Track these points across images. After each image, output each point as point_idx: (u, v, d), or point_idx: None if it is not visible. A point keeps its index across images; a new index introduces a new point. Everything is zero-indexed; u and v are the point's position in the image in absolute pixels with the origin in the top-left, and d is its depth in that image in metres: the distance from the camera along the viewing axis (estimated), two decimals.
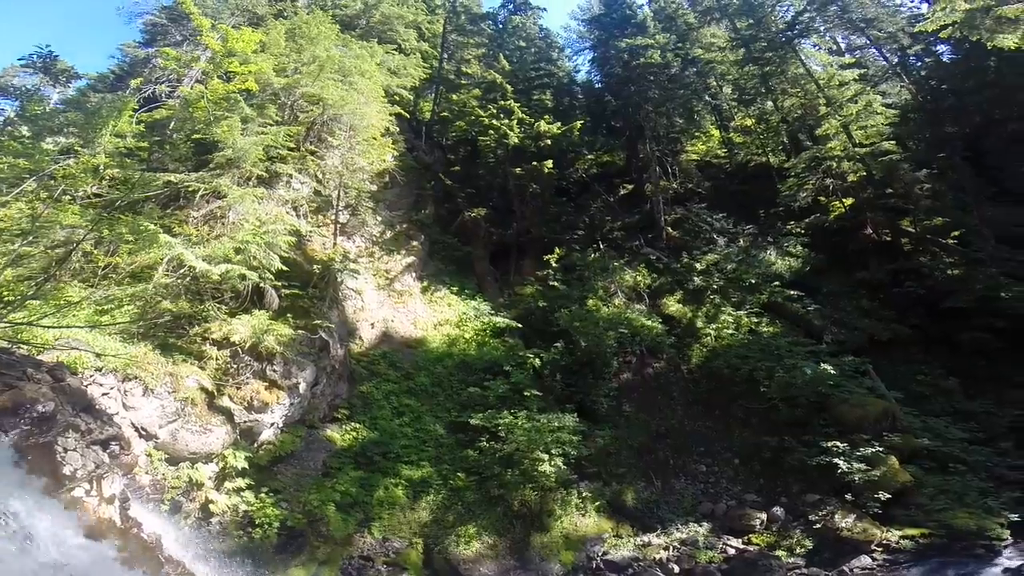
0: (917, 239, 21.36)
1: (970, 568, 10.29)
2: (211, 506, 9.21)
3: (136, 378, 9.17)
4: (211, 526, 9.07)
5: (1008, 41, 11.31)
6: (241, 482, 9.86)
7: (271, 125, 12.11)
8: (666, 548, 11.96)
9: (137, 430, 8.86)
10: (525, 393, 15.06)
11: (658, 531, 12.54)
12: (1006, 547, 10.81)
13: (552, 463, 12.40)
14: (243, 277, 10.80)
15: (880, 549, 11.17)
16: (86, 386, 8.27)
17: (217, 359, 10.85)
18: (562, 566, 11.26)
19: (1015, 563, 10.12)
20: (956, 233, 20.83)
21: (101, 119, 9.39)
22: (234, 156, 10.76)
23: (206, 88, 11.20)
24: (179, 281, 9.79)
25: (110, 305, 9.44)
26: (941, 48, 24.13)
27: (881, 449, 13.18)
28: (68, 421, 7.37)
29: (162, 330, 10.22)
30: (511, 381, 15.62)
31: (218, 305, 11.02)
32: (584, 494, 12.97)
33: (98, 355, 8.74)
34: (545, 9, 33.45)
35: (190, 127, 11.22)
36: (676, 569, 11.47)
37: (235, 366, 11.04)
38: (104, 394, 8.61)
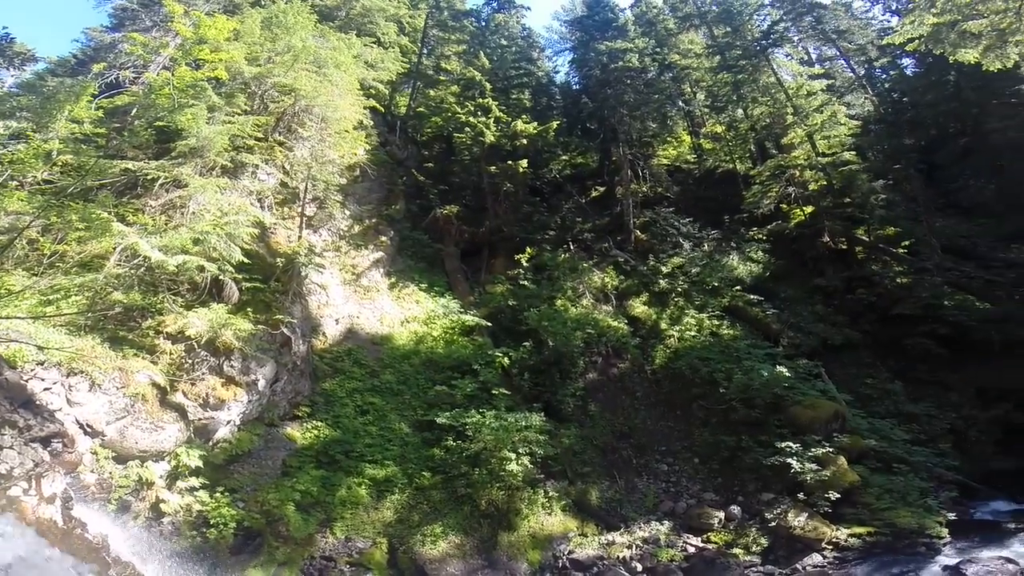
0: (870, 248, 22.42)
1: (912, 565, 10.83)
2: (162, 506, 8.79)
3: (82, 372, 8.66)
4: (162, 526, 8.65)
5: (969, 56, 11.91)
6: (195, 481, 9.44)
7: (239, 114, 11.64)
8: (629, 547, 12.11)
9: (82, 427, 8.38)
10: (493, 392, 15.00)
11: (621, 529, 12.70)
12: (945, 545, 11.46)
13: (519, 462, 12.39)
14: (201, 269, 10.34)
15: (830, 547, 11.61)
16: (26, 380, 7.78)
17: (171, 354, 10.35)
18: (529, 565, 11.24)
19: (953, 561, 10.70)
20: (907, 243, 21.99)
21: (57, 103, 8.84)
22: (198, 145, 10.27)
23: (173, 75, 10.66)
24: (132, 272, 9.28)
25: (56, 295, 8.87)
26: (906, 61, 25.39)
27: (831, 449, 13.71)
28: (4, 417, 6.97)
29: (112, 322, 9.68)
30: (479, 380, 15.53)
31: (174, 297, 10.51)
32: (550, 493, 13.00)
33: (40, 348, 8.21)
34: (529, 8, 33.29)
35: (153, 114, 10.64)
36: (639, 567, 11.64)
37: (190, 361, 10.57)
38: (46, 389, 8.11)
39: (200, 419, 10.25)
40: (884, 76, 27.80)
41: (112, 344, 9.50)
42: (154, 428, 9.28)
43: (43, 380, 8.11)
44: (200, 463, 9.57)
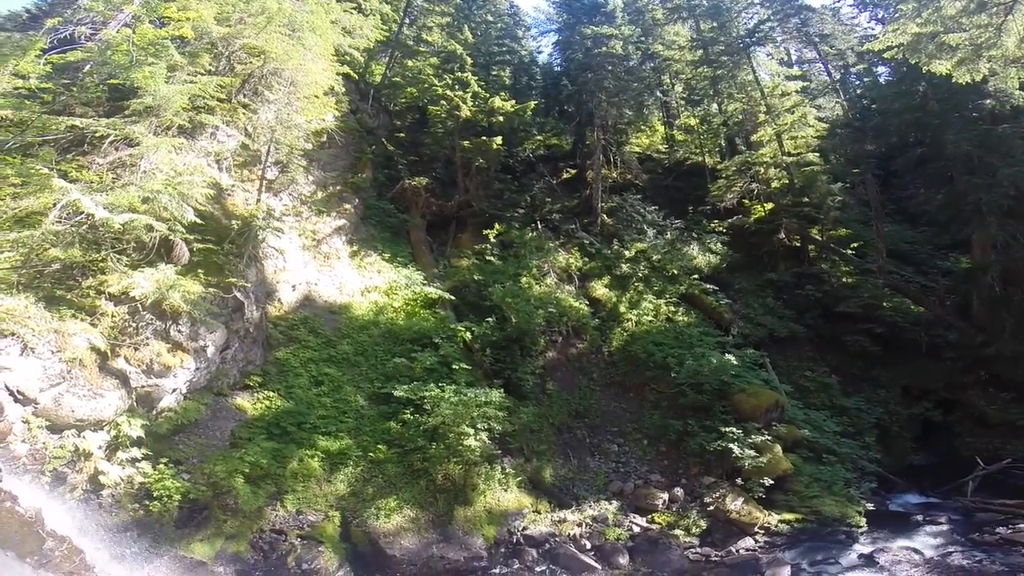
0: (822, 247, 23.44)
1: (833, 552, 11.69)
2: (101, 478, 8.36)
3: (13, 334, 7.99)
4: (101, 499, 8.25)
5: (942, 67, 12.32)
6: (136, 452, 9.01)
7: (202, 74, 10.80)
8: (579, 524, 12.52)
9: (12, 394, 7.77)
10: (454, 366, 14.92)
11: (573, 508, 13.09)
12: (862, 533, 12.38)
13: (478, 438, 12.42)
14: (150, 228, 9.62)
15: (762, 532, 12.37)
16: None
17: (113, 316, 9.68)
18: (484, 540, 11.42)
19: (868, 549, 11.62)
20: (856, 244, 23.12)
21: (2, 57, 7.92)
22: (154, 104, 9.45)
23: (134, 32, 9.73)
24: (74, 229, 8.57)
25: None
26: (881, 69, 26.21)
27: (769, 438, 14.47)
28: None
29: (49, 280, 8.95)
30: (440, 353, 15.42)
31: (118, 256, 9.79)
32: (507, 469, 13.18)
33: None
34: None
35: (107, 71, 9.72)
36: (588, 545, 12.09)
37: (134, 325, 9.93)
38: None
39: (143, 387, 9.73)
40: (858, 82, 28.73)
41: (48, 304, 8.78)
42: (93, 396, 8.74)
43: None
44: (142, 433, 9.13)
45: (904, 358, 19.35)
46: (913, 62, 12.73)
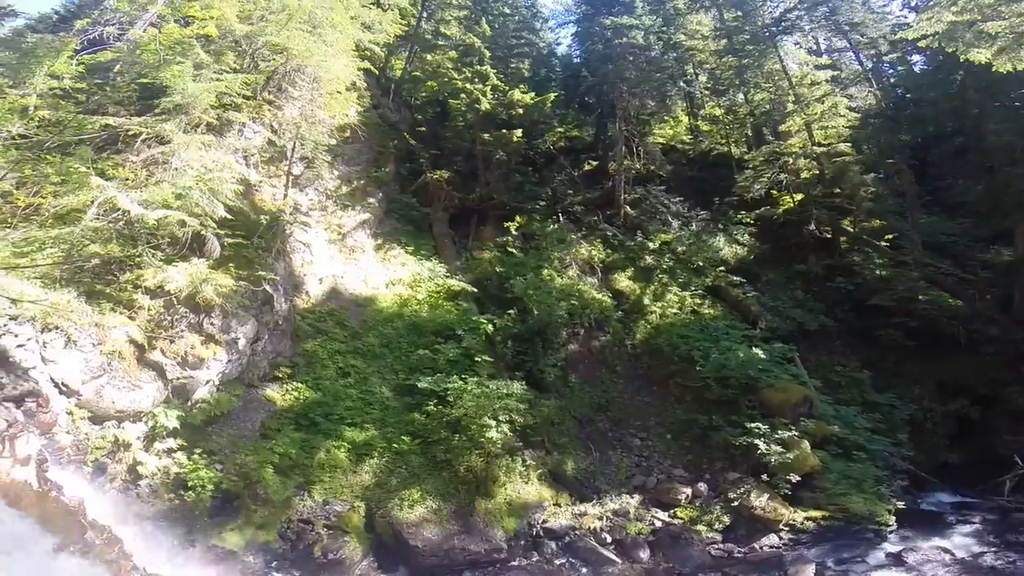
0: (854, 238, 22.74)
1: (860, 551, 11.45)
2: (139, 468, 8.73)
3: (57, 328, 8.37)
4: (139, 489, 8.63)
5: (981, 56, 11.80)
6: (172, 443, 9.38)
7: (228, 72, 11.05)
8: (600, 518, 12.54)
9: (57, 386, 8.17)
10: (476, 358, 15.03)
11: (594, 501, 13.13)
12: (891, 532, 12.07)
13: (499, 430, 12.50)
14: (182, 223, 9.90)
15: (787, 529, 12.18)
16: None
17: (149, 309, 10.04)
18: (504, 532, 11.56)
19: (896, 548, 11.36)
20: (890, 236, 22.34)
21: (36, 59, 8.26)
22: (183, 102, 9.74)
23: (160, 32, 10.01)
24: (111, 225, 8.89)
25: (30, 248, 8.47)
26: (916, 58, 25.28)
27: (797, 433, 14.15)
28: None
29: (89, 275, 9.32)
30: (463, 345, 15.55)
31: (153, 251, 10.13)
32: (528, 462, 13.28)
33: (14, 301, 7.86)
34: None
35: (137, 71, 10.04)
36: (608, 539, 12.10)
37: (169, 318, 10.30)
38: (20, 346, 7.82)
39: (178, 378, 10.09)
40: (891, 71, 27.80)
41: (88, 298, 9.16)
42: (131, 387, 9.11)
43: (16, 336, 7.81)
44: (178, 424, 9.48)
45: (940, 353, 18.69)
46: (950, 51, 12.22)
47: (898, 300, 19.64)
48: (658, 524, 12.71)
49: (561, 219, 22.94)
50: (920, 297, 19.90)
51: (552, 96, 24.52)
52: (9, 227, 8.42)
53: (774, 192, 24.13)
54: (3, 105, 7.79)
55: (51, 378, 8.05)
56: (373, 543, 10.53)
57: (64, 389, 8.20)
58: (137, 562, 6.65)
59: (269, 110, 12.60)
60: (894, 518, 12.42)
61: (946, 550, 11.17)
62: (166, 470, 9.01)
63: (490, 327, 16.69)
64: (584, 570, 11.25)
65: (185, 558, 8.27)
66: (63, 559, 5.74)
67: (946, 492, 14.86)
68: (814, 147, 22.10)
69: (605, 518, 12.57)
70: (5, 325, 7.72)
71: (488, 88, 22.47)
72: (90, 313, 9.00)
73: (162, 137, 9.84)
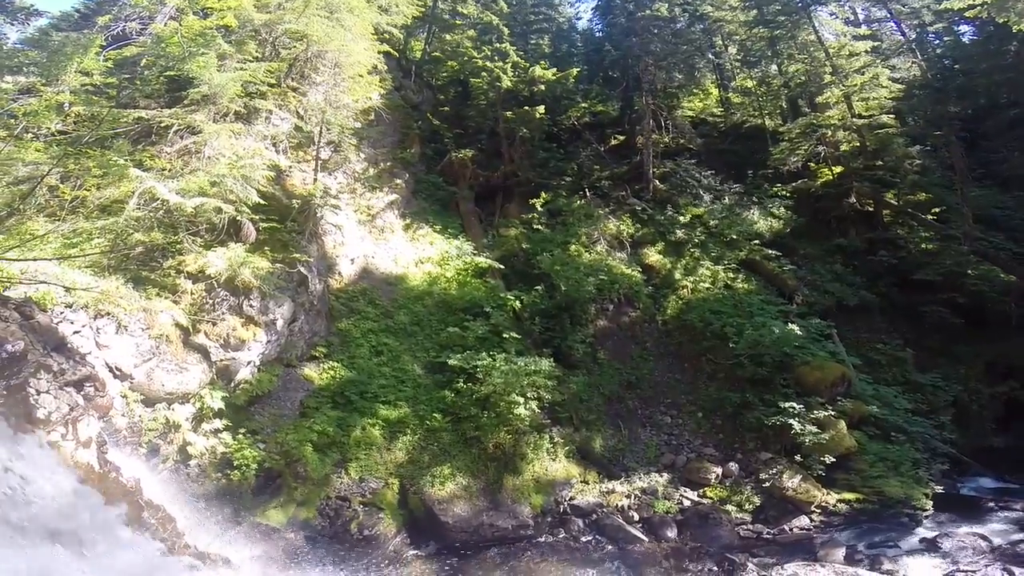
0: (898, 211, 21.72)
1: (893, 535, 11.28)
2: (189, 448, 9.23)
3: (108, 314, 8.80)
4: (189, 469, 9.13)
5: None
6: (218, 423, 9.84)
7: (251, 61, 11.14)
8: (628, 496, 12.68)
9: (111, 370, 8.63)
10: (504, 335, 15.11)
11: (622, 479, 13.26)
12: (927, 517, 11.84)
13: (527, 407, 12.66)
14: (219, 210, 10.21)
15: (818, 511, 12.05)
16: (57, 324, 7.90)
17: (192, 293, 10.47)
18: (532, 509, 11.83)
19: (931, 534, 11.15)
20: (936, 210, 21.24)
21: (66, 56, 8.48)
22: (210, 92, 9.94)
23: (180, 25, 10.10)
24: (151, 214, 9.23)
25: (78, 239, 8.92)
26: (963, 28, 23.85)
27: (833, 413, 13.80)
28: (40, 361, 7.01)
29: (134, 263, 9.76)
30: (491, 322, 15.64)
31: (193, 238, 10.49)
32: (556, 439, 13.45)
33: (68, 289, 8.28)
34: None
35: (163, 64, 10.26)
36: (636, 517, 12.24)
37: (211, 301, 10.71)
38: (76, 332, 8.28)
39: (222, 360, 10.53)
40: (937, 41, 26.55)
41: (135, 284, 9.60)
42: (179, 370, 9.55)
43: (72, 323, 8.26)
44: (223, 405, 9.95)
45: (989, 332, 17.88)
46: (1001, 21, 11.35)
47: (945, 274, 18.76)
48: (686, 503, 12.76)
49: (588, 194, 22.59)
50: (969, 272, 18.93)
51: (574, 71, 24.26)
52: (58, 219, 8.82)
53: (812, 164, 23.19)
54: (41, 103, 8.07)
55: (106, 363, 8.50)
56: (406, 519, 10.94)
57: (118, 373, 8.66)
58: (189, 540, 7.07)
59: (294, 97, 12.76)
60: (931, 503, 12.16)
61: (983, 537, 10.92)
62: (213, 450, 9.50)
63: (517, 303, 16.71)
64: (610, 548, 11.41)
65: (231, 537, 8.74)
66: (129, 534, 6.16)
67: (989, 477, 14.43)
68: (854, 119, 21.08)
69: (633, 496, 12.69)
70: (62, 312, 8.15)
71: (509, 65, 22.20)
72: (138, 299, 9.44)
73: (193, 127, 10.10)
